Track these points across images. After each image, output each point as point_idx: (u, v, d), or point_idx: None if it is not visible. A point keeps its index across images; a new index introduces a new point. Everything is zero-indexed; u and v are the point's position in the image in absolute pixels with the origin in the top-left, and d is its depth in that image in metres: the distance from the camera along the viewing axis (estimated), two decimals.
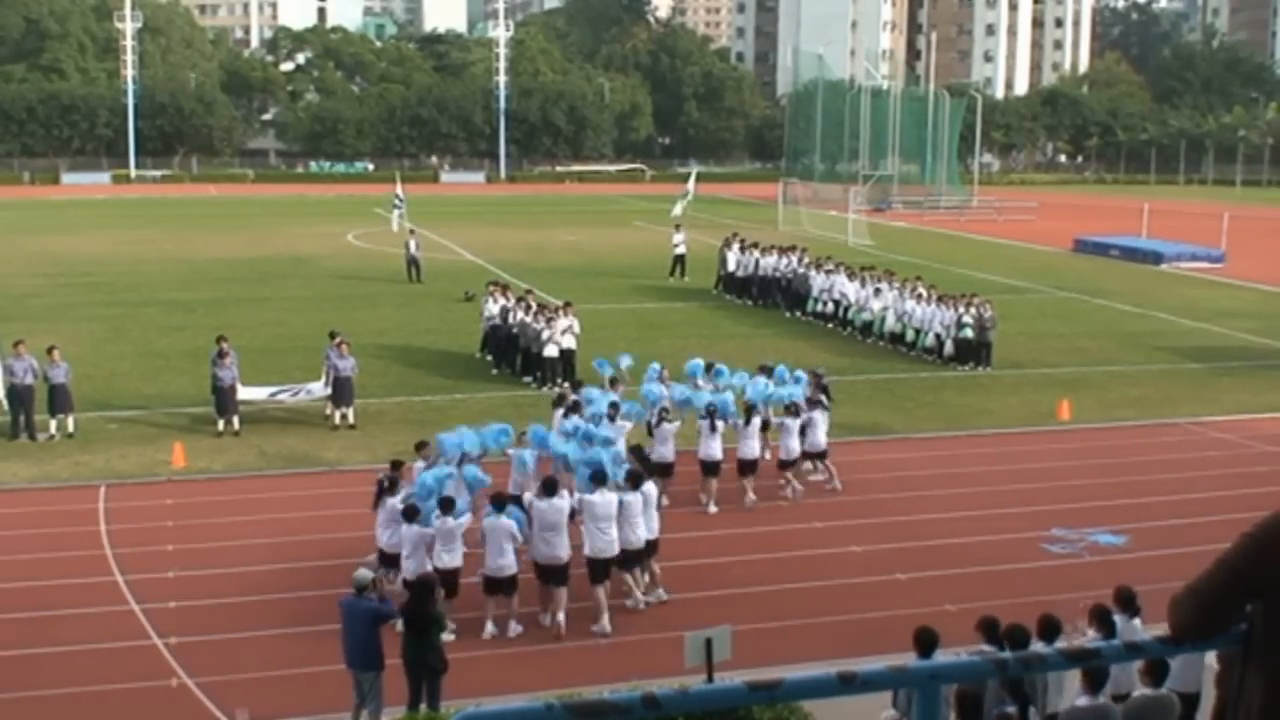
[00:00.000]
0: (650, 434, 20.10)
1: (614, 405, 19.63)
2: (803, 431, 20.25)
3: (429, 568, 14.52)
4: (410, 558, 14.84)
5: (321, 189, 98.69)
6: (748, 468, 19.84)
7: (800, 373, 22.39)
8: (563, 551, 15.11)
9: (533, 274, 44.35)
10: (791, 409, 20.34)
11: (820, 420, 20.61)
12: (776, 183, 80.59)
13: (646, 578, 16.04)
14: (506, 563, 14.80)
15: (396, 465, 16.59)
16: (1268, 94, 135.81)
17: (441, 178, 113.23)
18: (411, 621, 12.70)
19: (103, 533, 18.33)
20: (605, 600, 15.25)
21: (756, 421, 20.15)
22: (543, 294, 35.00)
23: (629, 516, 15.43)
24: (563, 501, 15.30)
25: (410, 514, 15.00)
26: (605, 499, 15.34)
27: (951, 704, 9.46)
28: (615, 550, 15.31)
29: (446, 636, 13.76)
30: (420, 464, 16.75)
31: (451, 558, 14.93)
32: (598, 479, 15.58)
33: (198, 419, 24.61)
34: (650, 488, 16.04)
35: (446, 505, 15.09)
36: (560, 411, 19.95)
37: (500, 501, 15.14)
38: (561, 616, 14.99)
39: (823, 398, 21.39)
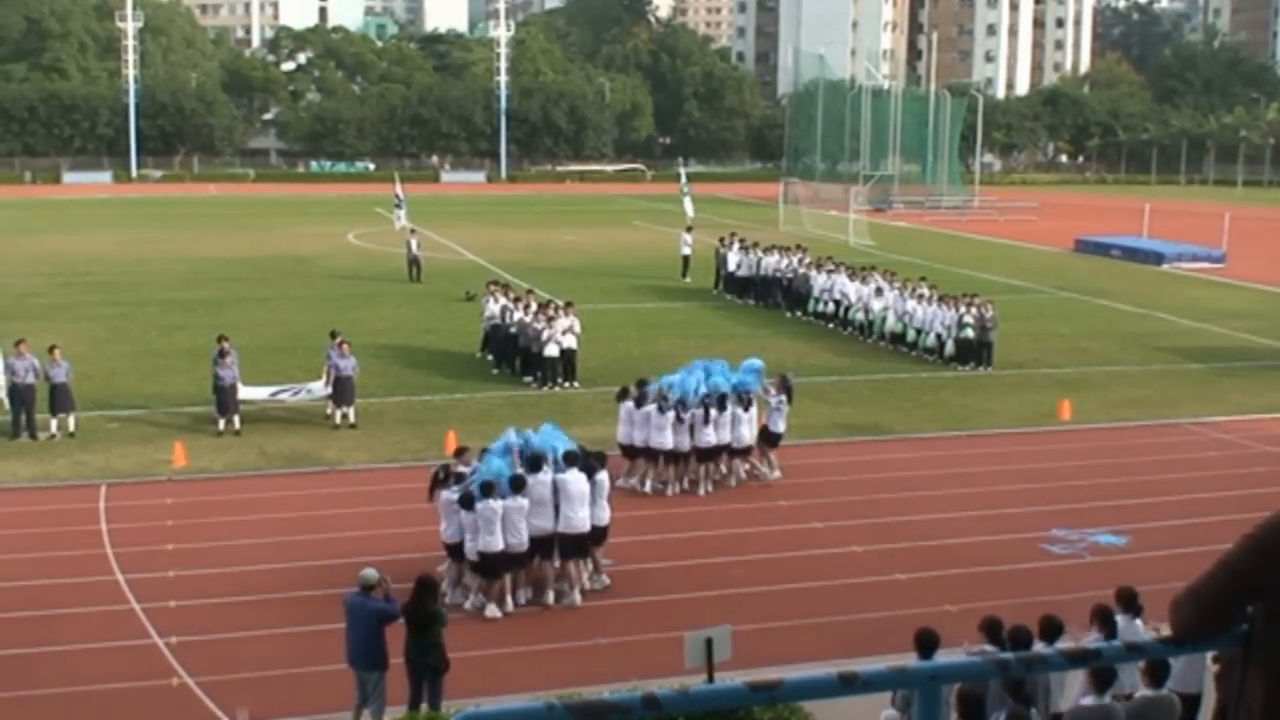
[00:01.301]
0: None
1: (663, 397, 20.30)
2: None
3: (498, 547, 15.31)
4: (473, 540, 15.39)
5: (322, 189, 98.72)
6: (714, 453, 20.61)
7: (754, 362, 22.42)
8: (550, 525, 15.79)
9: (533, 273, 44.36)
10: (744, 399, 20.62)
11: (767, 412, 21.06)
12: (777, 183, 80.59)
13: (590, 566, 16.61)
14: (522, 540, 15.40)
15: (460, 451, 17.24)
16: (1269, 94, 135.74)
17: (442, 177, 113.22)
18: (413, 620, 12.70)
19: (103, 532, 18.33)
20: (579, 574, 16.17)
21: (727, 412, 20.43)
22: (543, 293, 34.96)
23: (575, 498, 15.98)
24: (548, 477, 15.95)
25: (467, 502, 15.43)
26: (576, 477, 16.01)
27: (953, 705, 9.45)
28: (586, 527, 16.01)
29: (492, 612, 14.99)
30: (463, 469, 16.80)
31: (493, 540, 15.30)
32: (569, 459, 16.24)
33: (198, 418, 24.61)
34: (602, 477, 16.50)
35: (487, 489, 15.29)
36: (630, 403, 20.38)
37: (518, 482, 15.52)
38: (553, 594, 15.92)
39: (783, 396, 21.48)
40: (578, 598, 15.94)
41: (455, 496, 15.64)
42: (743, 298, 40.81)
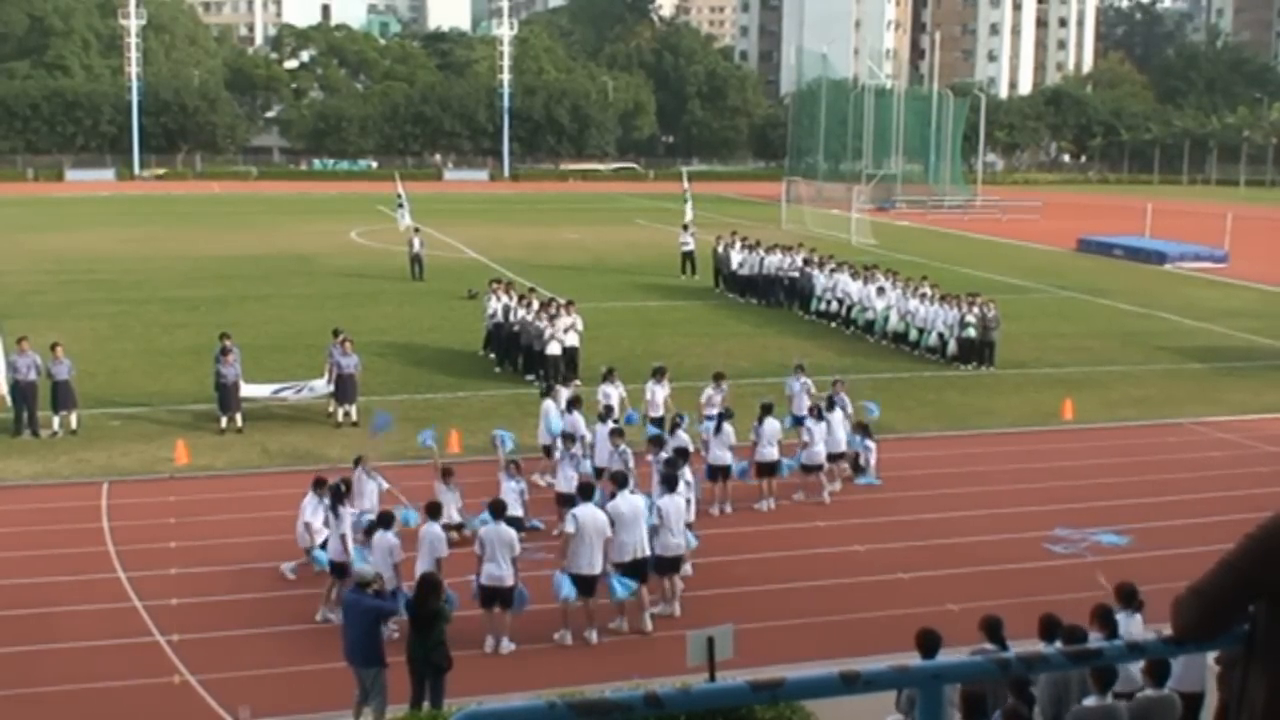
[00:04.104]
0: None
1: (618, 433, 18.89)
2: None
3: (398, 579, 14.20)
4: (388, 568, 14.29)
5: (325, 187, 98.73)
6: (767, 470, 19.77)
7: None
8: (645, 548, 14.85)
9: (535, 272, 44.35)
10: (814, 410, 20.34)
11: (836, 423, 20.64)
12: (780, 181, 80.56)
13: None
14: (504, 573, 14.30)
15: (319, 483, 16.47)
16: (1271, 94, 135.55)
17: (445, 175, 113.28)
18: (416, 618, 12.69)
19: (105, 530, 18.34)
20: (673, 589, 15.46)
21: (772, 424, 19.94)
22: (545, 292, 34.93)
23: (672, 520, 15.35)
24: (638, 497, 15.18)
25: (386, 520, 14.77)
26: (629, 500, 15.17)
27: (956, 705, 9.45)
28: (646, 553, 15.09)
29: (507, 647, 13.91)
30: (359, 472, 16.70)
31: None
32: (618, 480, 15.60)
33: (200, 416, 24.63)
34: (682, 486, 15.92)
35: (434, 510, 15.10)
36: (558, 405, 20.05)
37: (499, 508, 14.84)
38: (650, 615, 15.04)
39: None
40: (648, 622, 15.00)
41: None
42: (744, 296, 40.80)
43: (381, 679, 12.53)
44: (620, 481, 15.54)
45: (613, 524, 14.79)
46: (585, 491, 15.20)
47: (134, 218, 68.95)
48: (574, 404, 20.40)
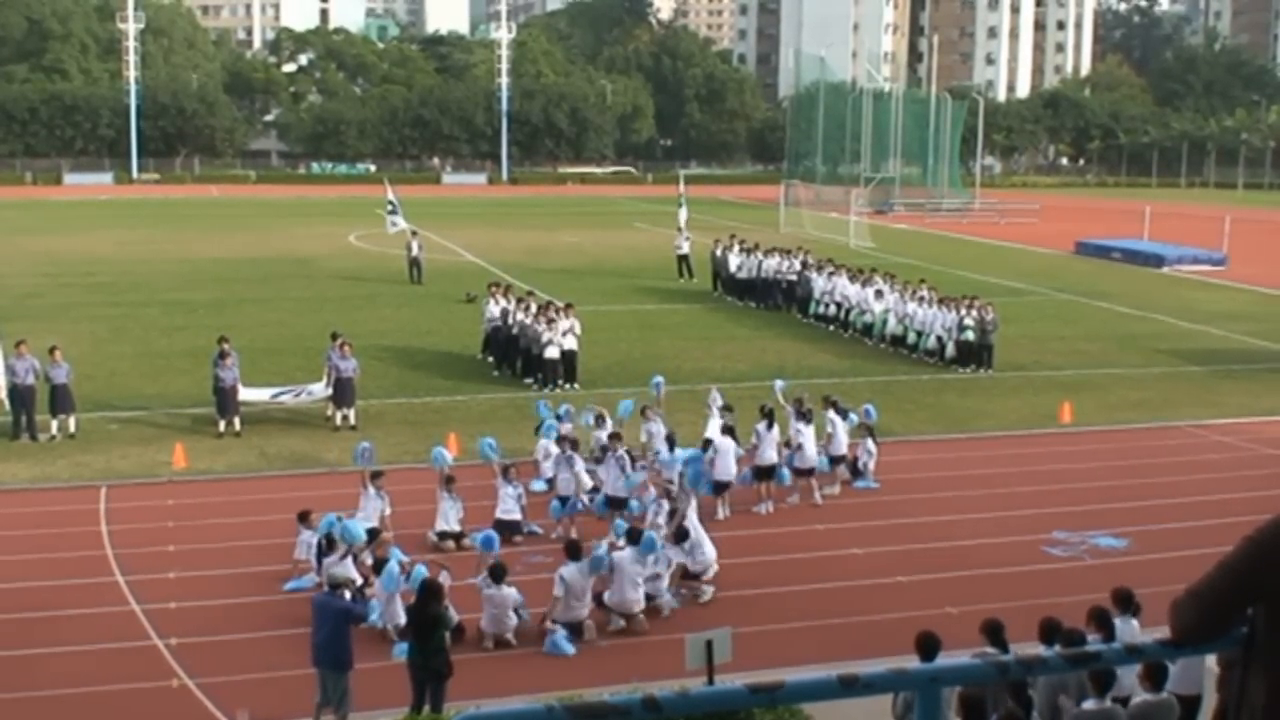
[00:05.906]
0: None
1: (616, 436, 19.23)
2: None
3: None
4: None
5: (323, 190, 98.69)
6: (765, 473, 19.81)
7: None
8: (640, 604, 15.16)
9: (534, 275, 44.36)
10: (806, 414, 20.32)
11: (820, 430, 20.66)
12: (778, 185, 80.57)
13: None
14: (509, 624, 14.63)
15: (305, 516, 16.65)
16: (1269, 97, 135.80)
17: (443, 179, 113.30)
18: (416, 624, 12.65)
19: (103, 533, 18.32)
20: None
21: (774, 429, 19.97)
22: (543, 295, 34.92)
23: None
24: (581, 568, 15.18)
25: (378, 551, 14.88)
26: (631, 557, 15.35)
27: (955, 708, 9.44)
28: (639, 609, 15.44)
29: None
30: (307, 534, 16.50)
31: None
32: (631, 536, 15.63)
33: (199, 420, 24.60)
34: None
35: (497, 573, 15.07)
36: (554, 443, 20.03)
37: (498, 572, 14.66)
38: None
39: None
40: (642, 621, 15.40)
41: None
42: (742, 299, 40.80)
43: (346, 683, 12.43)
44: (633, 538, 15.38)
45: (612, 572, 14.99)
46: (572, 551, 15.10)
47: (132, 221, 68.92)
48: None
